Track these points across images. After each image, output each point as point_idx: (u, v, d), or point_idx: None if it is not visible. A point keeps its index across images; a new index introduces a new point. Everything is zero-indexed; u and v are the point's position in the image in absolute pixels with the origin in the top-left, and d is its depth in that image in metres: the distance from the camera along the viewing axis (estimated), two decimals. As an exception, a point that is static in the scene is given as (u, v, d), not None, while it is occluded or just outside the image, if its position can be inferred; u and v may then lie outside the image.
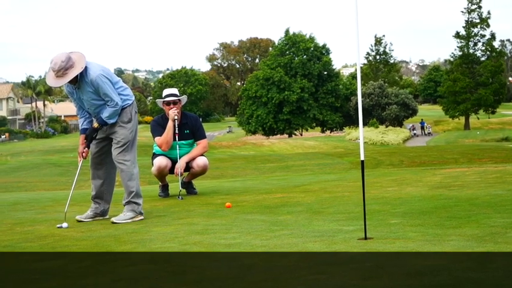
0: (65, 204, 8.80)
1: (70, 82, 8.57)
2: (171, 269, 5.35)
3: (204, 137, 11.56)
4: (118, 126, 8.83)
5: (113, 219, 8.56)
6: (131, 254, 6.16)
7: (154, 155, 11.43)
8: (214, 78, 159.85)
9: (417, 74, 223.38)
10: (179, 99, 11.28)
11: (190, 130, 11.32)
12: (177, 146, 11.10)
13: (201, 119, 11.94)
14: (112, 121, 8.75)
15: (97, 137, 8.95)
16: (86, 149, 8.85)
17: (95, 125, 8.77)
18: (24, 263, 5.97)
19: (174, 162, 11.21)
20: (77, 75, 8.48)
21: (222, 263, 5.48)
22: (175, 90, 11.53)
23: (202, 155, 11.46)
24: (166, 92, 11.48)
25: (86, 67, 8.51)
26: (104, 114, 8.69)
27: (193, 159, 11.31)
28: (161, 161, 11.18)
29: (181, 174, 11.17)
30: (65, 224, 8.25)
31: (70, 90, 8.89)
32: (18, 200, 12.41)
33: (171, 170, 11.28)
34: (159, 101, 11.46)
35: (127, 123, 8.89)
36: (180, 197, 10.91)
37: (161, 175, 11.30)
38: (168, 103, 11.21)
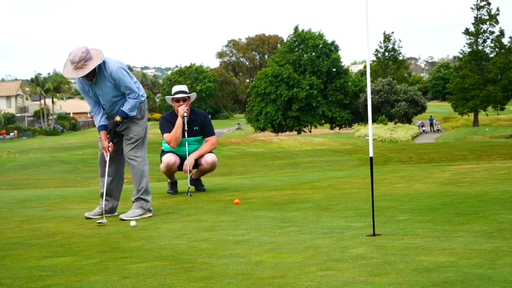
0: (101, 202, 8.96)
1: (87, 77, 8.57)
2: (180, 265, 5.36)
3: (212, 134, 11.56)
4: (132, 123, 8.87)
5: (122, 216, 8.57)
6: (139, 251, 6.17)
7: (163, 152, 11.43)
8: (223, 75, 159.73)
9: (426, 71, 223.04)
10: (188, 96, 11.28)
11: (199, 127, 11.32)
12: (186, 142, 11.11)
13: (209, 116, 11.93)
14: (133, 113, 8.76)
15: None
16: (111, 143, 8.83)
17: (117, 118, 8.74)
18: (32, 260, 5.98)
19: (183, 159, 11.22)
20: (95, 69, 8.51)
21: (231, 259, 5.48)
22: (184, 87, 11.53)
23: (210, 152, 11.47)
24: (175, 88, 11.48)
25: (104, 61, 8.54)
26: (126, 107, 8.70)
27: (202, 156, 11.31)
28: (169, 158, 11.19)
29: (190, 171, 11.17)
30: (104, 220, 8.29)
31: (84, 88, 8.85)
32: (27, 197, 12.44)
33: (180, 167, 11.28)
34: (168, 98, 11.47)
35: (140, 120, 8.92)
36: (189, 194, 10.92)
37: (169, 172, 11.30)
38: (177, 100, 11.21)
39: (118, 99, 8.77)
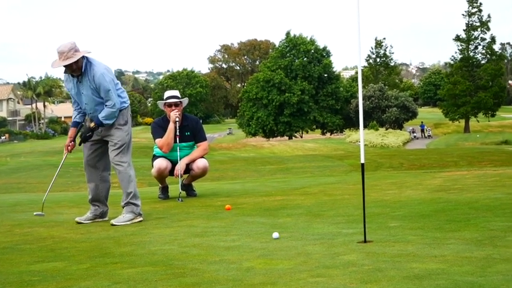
0: (45, 194, 9.35)
1: (74, 71, 8.62)
2: (170, 271, 5.35)
3: (204, 139, 11.57)
4: (115, 129, 8.88)
5: (113, 221, 8.57)
6: (130, 256, 6.15)
7: (154, 157, 11.44)
8: (215, 79, 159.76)
9: (418, 77, 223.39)
10: (180, 102, 11.29)
11: (190, 132, 11.33)
12: (178, 147, 11.11)
13: (201, 121, 11.94)
14: (108, 122, 8.79)
15: (92, 139, 9.01)
16: (73, 142, 9.00)
17: (91, 124, 8.83)
18: (23, 265, 5.96)
19: (174, 164, 11.22)
20: (82, 66, 8.58)
21: (221, 265, 5.47)
22: (176, 92, 11.56)
23: (202, 157, 11.47)
24: (167, 94, 11.49)
25: (91, 63, 8.66)
26: (101, 115, 8.74)
27: (193, 161, 11.32)
28: (161, 163, 11.19)
29: (181, 176, 11.17)
30: (41, 213, 8.84)
31: (68, 84, 8.96)
32: (18, 201, 12.42)
33: (171, 172, 11.28)
34: (160, 103, 11.47)
35: (124, 126, 8.94)
36: (180, 199, 10.92)
37: (161, 177, 11.30)
38: (170, 105, 11.22)
39: (100, 101, 8.79)
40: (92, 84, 8.65)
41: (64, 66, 8.57)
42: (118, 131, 8.87)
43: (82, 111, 9.06)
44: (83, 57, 8.61)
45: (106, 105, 8.72)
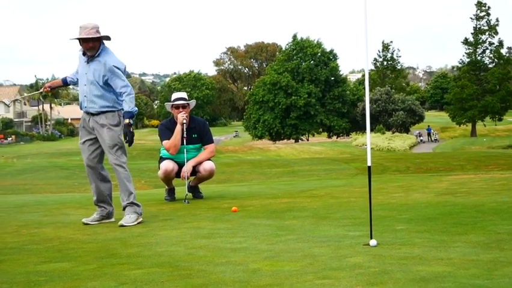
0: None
1: (89, 51, 8.76)
2: (177, 272, 5.36)
3: (211, 141, 11.57)
4: (107, 129, 8.88)
5: (122, 222, 8.57)
6: (137, 257, 6.16)
7: (161, 159, 11.44)
8: (221, 82, 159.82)
9: (424, 81, 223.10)
10: (188, 103, 11.29)
11: (198, 134, 11.34)
12: (185, 149, 11.11)
13: (208, 124, 11.95)
14: (135, 108, 8.79)
15: (88, 138, 9.05)
16: (49, 89, 9.51)
17: (126, 121, 8.71)
18: (30, 265, 5.97)
19: (181, 166, 11.23)
20: (99, 49, 8.78)
21: (228, 267, 5.48)
22: (184, 94, 11.58)
23: (209, 159, 11.47)
24: (175, 95, 11.50)
25: (107, 50, 8.86)
26: (125, 107, 8.72)
27: (200, 163, 11.33)
28: (168, 165, 11.20)
29: (188, 178, 11.18)
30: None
31: (79, 62, 9.06)
32: (24, 203, 12.43)
33: (178, 174, 11.29)
34: (168, 105, 11.48)
35: (115, 127, 8.91)
36: (186, 200, 10.93)
37: (167, 178, 11.31)
38: (177, 107, 11.22)
39: (98, 93, 8.87)
40: (102, 70, 8.74)
41: (82, 40, 8.71)
42: (109, 131, 8.86)
43: (74, 82, 9.35)
44: (101, 42, 8.78)
45: (123, 97, 8.71)
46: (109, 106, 8.88)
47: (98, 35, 8.66)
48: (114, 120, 8.89)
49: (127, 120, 8.70)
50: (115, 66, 8.72)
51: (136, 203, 8.82)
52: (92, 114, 8.94)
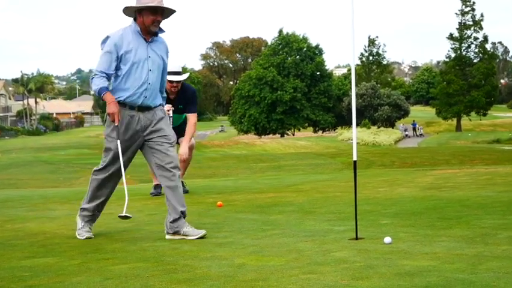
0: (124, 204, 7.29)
1: (155, 27, 7.03)
2: (162, 267, 5.35)
3: (195, 111, 11.24)
4: (164, 123, 7.35)
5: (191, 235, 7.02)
6: (122, 252, 6.15)
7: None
8: (207, 77, 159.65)
9: (410, 76, 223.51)
10: (181, 81, 11.03)
11: (184, 105, 11.12)
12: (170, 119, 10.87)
13: (196, 92, 11.51)
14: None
15: (126, 137, 7.21)
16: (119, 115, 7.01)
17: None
18: (14, 260, 5.95)
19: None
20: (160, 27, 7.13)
21: (213, 262, 5.47)
22: (179, 68, 11.01)
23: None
24: (170, 68, 10.85)
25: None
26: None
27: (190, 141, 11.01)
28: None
29: (185, 161, 10.89)
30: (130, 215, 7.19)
31: (130, 45, 7.05)
32: (9, 197, 12.38)
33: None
34: None
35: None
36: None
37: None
38: (171, 80, 10.98)
39: (160, 80, 7.36)
40: (164, 53, 7.28)
41: (149, 11, 6.97)
42: (168, 127, 7.39)
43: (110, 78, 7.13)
44: None
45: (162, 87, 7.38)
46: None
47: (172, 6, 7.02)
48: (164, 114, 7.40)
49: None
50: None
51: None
52: (148, 109, 7.21)
